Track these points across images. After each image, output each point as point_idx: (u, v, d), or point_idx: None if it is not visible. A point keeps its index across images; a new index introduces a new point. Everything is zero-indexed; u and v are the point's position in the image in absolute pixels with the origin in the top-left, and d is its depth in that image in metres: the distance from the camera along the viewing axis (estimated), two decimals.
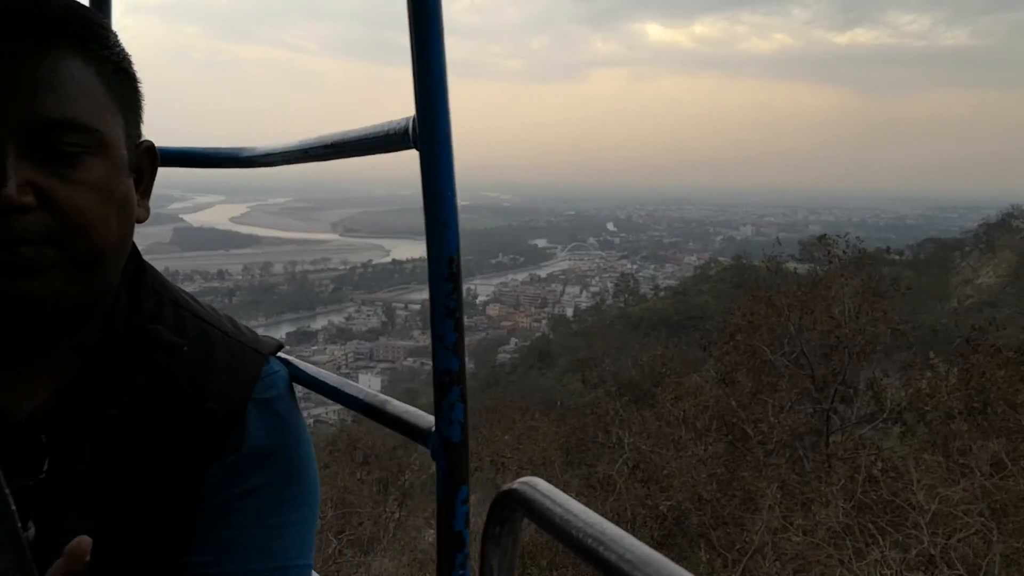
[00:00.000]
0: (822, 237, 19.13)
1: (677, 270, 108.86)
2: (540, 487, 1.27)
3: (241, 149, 1.80)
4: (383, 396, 1.59)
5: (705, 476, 14.02)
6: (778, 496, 12.49)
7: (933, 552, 10.51)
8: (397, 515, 15.75)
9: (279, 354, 1.32)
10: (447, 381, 1.34)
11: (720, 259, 70.18)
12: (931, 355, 17.32)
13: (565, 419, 18.37)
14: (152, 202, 1.16)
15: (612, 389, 19.90)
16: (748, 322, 17.48)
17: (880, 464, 13.31)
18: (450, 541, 1.39)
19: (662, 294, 66.76)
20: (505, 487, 1.34)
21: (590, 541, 1.09)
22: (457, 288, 1.33)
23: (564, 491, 1.20)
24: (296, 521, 1.20)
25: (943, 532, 10.74)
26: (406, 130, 1.31)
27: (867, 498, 12.18)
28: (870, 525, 11.34)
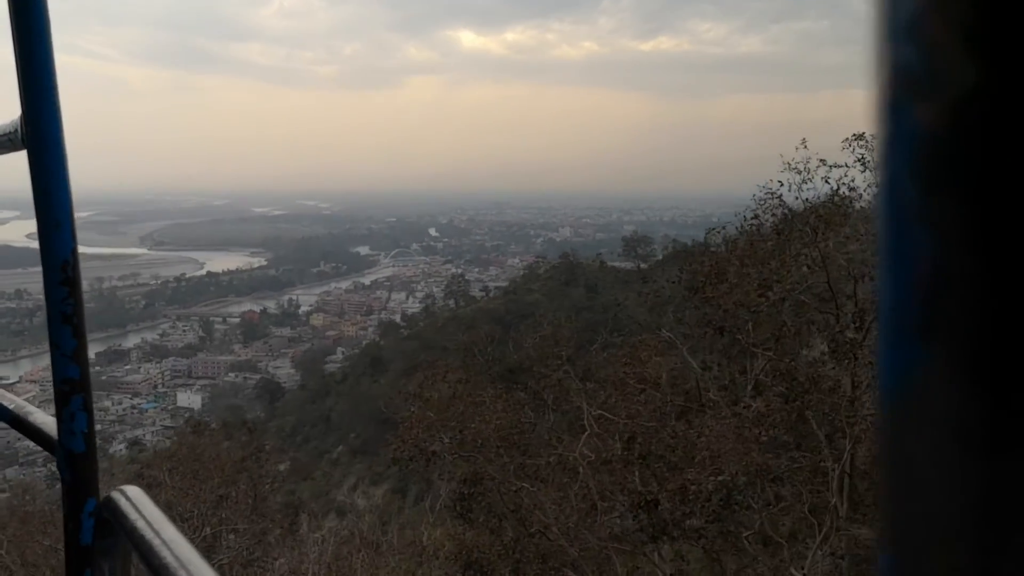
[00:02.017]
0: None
1: (501, 272, 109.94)
2: (135, 499, 1.26)
3: None
4: (20, 402, 1.53)
5: (759, 445, 11.10)
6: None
7: None
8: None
9: None
10: (67, 390, 1.29)
11: (547, 258, 71.30)
12: None
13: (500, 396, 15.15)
14: None
15: (497, 373, 18.13)
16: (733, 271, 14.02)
17: None
18: (78, 557, 1.33)
19: (492, 294, 67.08)
20: (106, 495, 1.32)
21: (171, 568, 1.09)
22: (74, 292, 1.27)
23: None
24: None
25: None
26: (14, 132, 1.26)
27: None
28: None
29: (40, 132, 1.22)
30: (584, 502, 11.83)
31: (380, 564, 11.63)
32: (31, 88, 1.20)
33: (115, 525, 1.27)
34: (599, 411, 13.01)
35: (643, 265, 61.52)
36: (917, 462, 0.24)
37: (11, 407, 1.56)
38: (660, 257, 61.63)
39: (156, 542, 1.12)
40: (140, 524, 1.18)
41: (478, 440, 13.20)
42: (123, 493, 1.29)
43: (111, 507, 1.28)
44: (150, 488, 12.84)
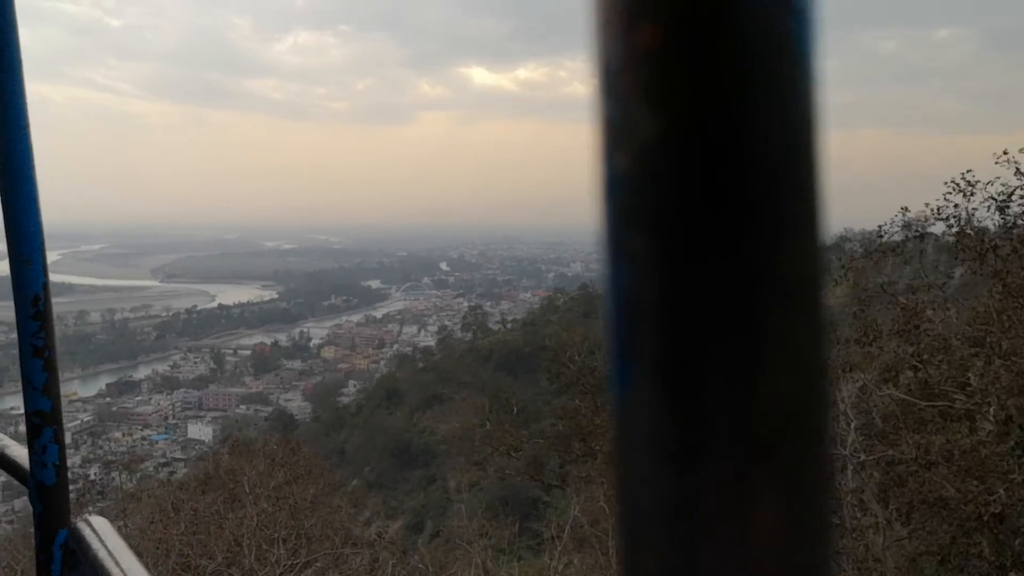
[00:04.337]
0: None
1: (513, 307, 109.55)
2: (100, 529, 1.29)
3: None
4: None
5: None
6: None
7: None
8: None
9: None
10: (38, 423, 1.33)
11: (566, 291, 70.82)
12: None
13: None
14: None
15: (589, 384, 16.36)
16: None
17: None
18: None
19: (510, 326, 66.53)
20: (73, 523, 1.33)
21: None
22: (45, 326, 1.29)
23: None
24: None
25: None
26: None
27: None
28: None
29: (11, 170, 1.23)
30: None
31: None
32: (3, 128, 1.21)
33: (80, 556, 1.27)
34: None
35: None
36: (630, 469, 0.26)
37: None
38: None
39: (116, 571, 1.14)
40: (103, 554, 1.20)
41: None
42: (89, 524, 1.29)
43: (77, 538, 1.29)
44: (233, 502, 12.24)
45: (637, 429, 0.26)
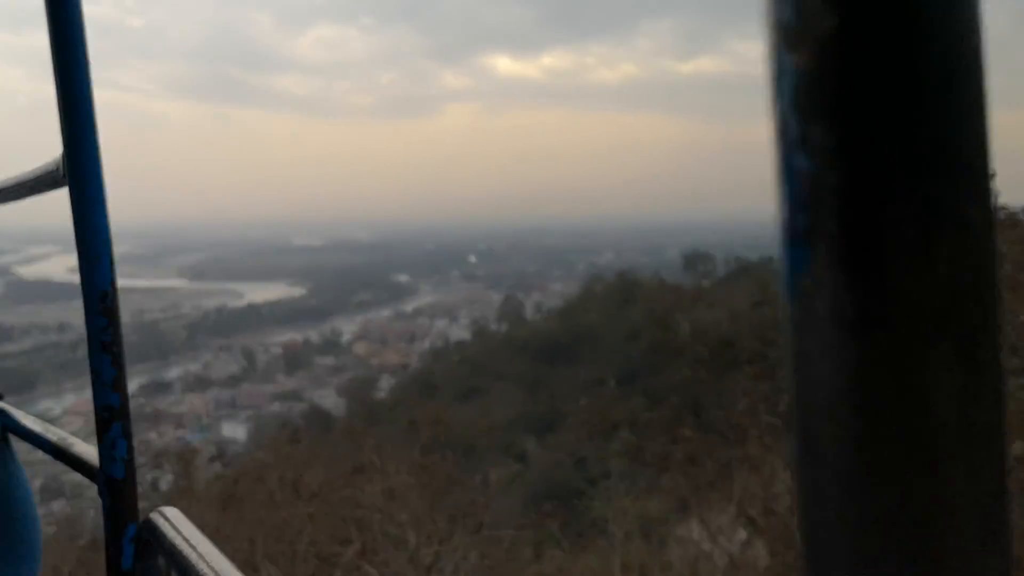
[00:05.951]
0: None
1: (544, 298, 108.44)
2: (174, 519, 1.30)
3: None
4: (62, 433, 1.60)
5: None
6: None
7: None
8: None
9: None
10: (108, 417, 1.34)
11: (604, 277, 69.45)
12: None
13: None
14: None
15: (705, 355, 14.48)
16: None
17: None
18: None
19: (545, 316, 65.34)
20: (144, 518, 1.37)
21: None
22: (113, 322, 1.34)
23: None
24: None
25: None
26: (56, 169, 1.33)
27: None
28: None
29: (80, 168, 1.28)
30: None
31: None
32: (71, 126, 1.26)
33: (155, 546, 1.30)
34: None
35: (705, 283, 59.58)
36: (809, 345, 0.28)
37: (54, 439, 1.59)
38: (722, 275, 59.76)
39: (194, 557, 1.15)
40: (179, 542, 1.20)
41: None
42: (162, 515, 1.30)
43: (150, 529, 1.31)
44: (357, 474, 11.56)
45: (816, 306, 0.27)
